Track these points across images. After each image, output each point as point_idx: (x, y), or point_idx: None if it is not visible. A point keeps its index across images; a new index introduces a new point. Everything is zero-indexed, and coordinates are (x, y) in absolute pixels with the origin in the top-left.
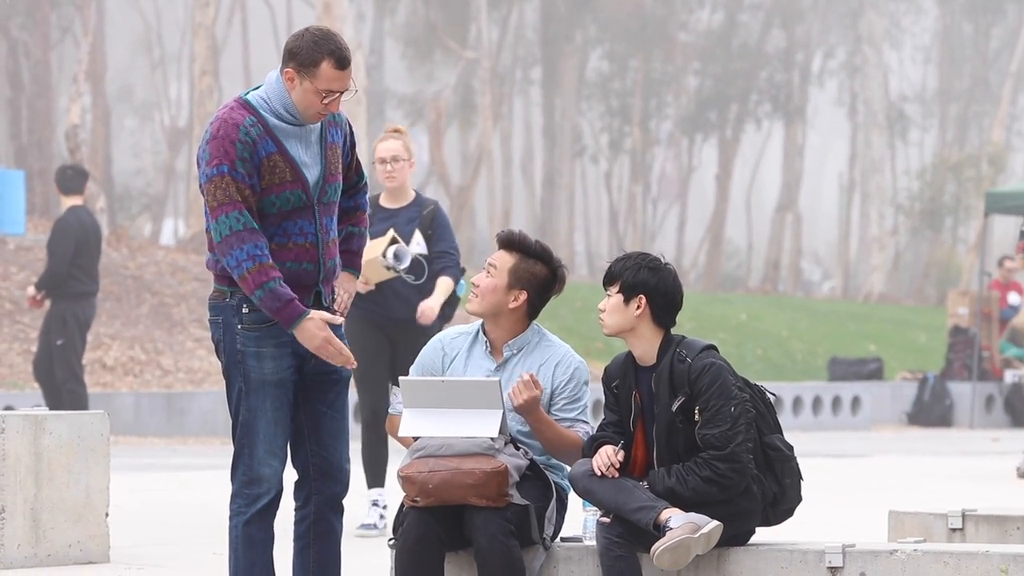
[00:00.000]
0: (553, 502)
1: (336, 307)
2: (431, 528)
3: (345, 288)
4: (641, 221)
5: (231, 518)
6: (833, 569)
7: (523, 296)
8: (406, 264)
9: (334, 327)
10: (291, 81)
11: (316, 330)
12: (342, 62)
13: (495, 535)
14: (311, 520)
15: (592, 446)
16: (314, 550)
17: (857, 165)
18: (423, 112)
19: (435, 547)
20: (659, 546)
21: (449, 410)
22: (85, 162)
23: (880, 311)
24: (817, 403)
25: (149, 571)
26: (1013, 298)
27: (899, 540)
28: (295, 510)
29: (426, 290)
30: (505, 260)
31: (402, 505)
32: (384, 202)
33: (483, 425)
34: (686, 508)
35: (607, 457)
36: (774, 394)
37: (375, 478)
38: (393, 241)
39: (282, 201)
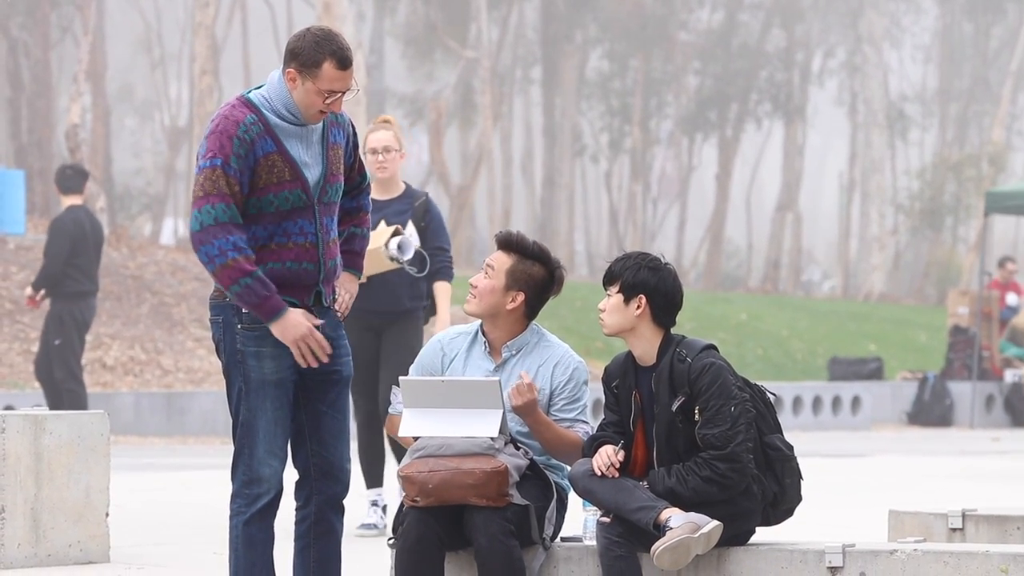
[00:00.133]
0: (553, 502)
1: (337, 307)
2: (431, 528)
3: (346, 288)
4: (641, 221)
5: (231, 518)
6: (833, 569)
7: (520, 297)
8: (410, 256)
9: (336, 327)
10: (293, 81)
11: (297, 322)
12: (344, 62)
13: (495, 535)
14: (312, 520)
15: (592, 446)
16: (315, 550)
17: (857, 165)
18: (423, 112)
19: (435, 547)
20: (659, 546)
21: (449, 410)
22: (85, 162)
23: (880, 311)
24: (817, 403)
25: (149, 571)
26: (1011, 299)
27: (899, 540)
28: (296, 510)
29: (418, 283)
30: (503, 261)
31: (402, 505)
32: (374, 194)
33: (483, 425)
34: (686, 508)
35: (607, 457)
36: (774, 394)
37: (374, 478)
38: (396, 232)
39: (280, 200)
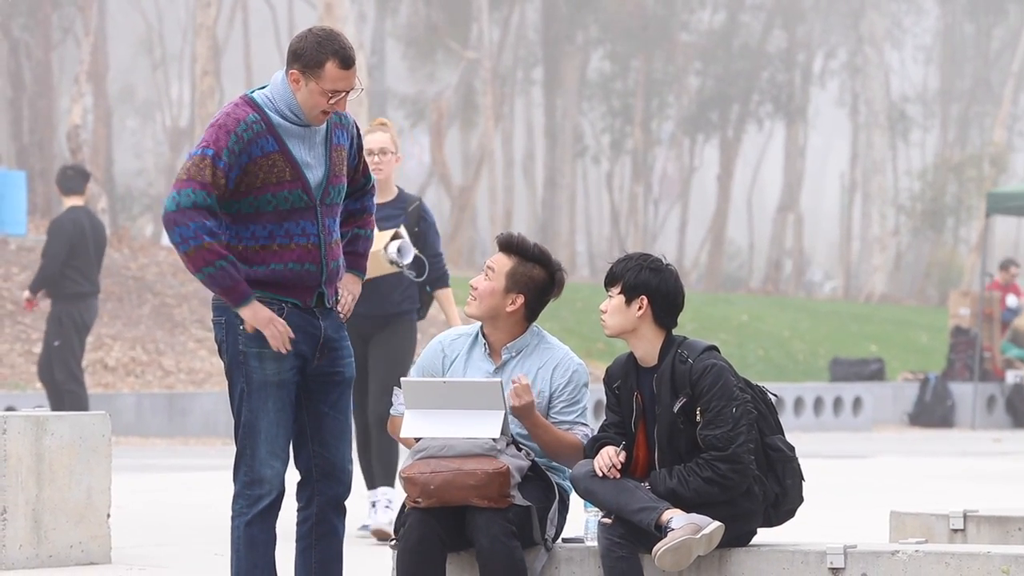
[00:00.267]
0: (555, 503)
1: (340, 309)
2: (433, 529)
3: (349, 290)
4: (642, 221)
5: (233, 519)
6: (835, 570)
7: (520, 300)
8: (409, 259)
9: (338, 328)
10: (296, 82)
11: (264, 308)
12: (347, 62)
13: (497, 536)
14: (313, 521)
15: (594, 447)
16: (316, 551)
17: (858, 165)
18: (424, 112)
19: (437, 548)
20: (661, 547)
21: (451, 411)
22: (86, 162)
23: (881, 311)
24: (818, 404)
25: (151, 572)
26: (1011, 301)
27: (901, 541)
28: (297, 511)
29: (411, 285)
30: (503, 263)
31: (404, 506)
32: None
33: (485, 426)
34: (687, 509)
35: (609, 458)
36: (775, 395)
37: (372, 480)
38: (395, 236)
39: (279, 200)
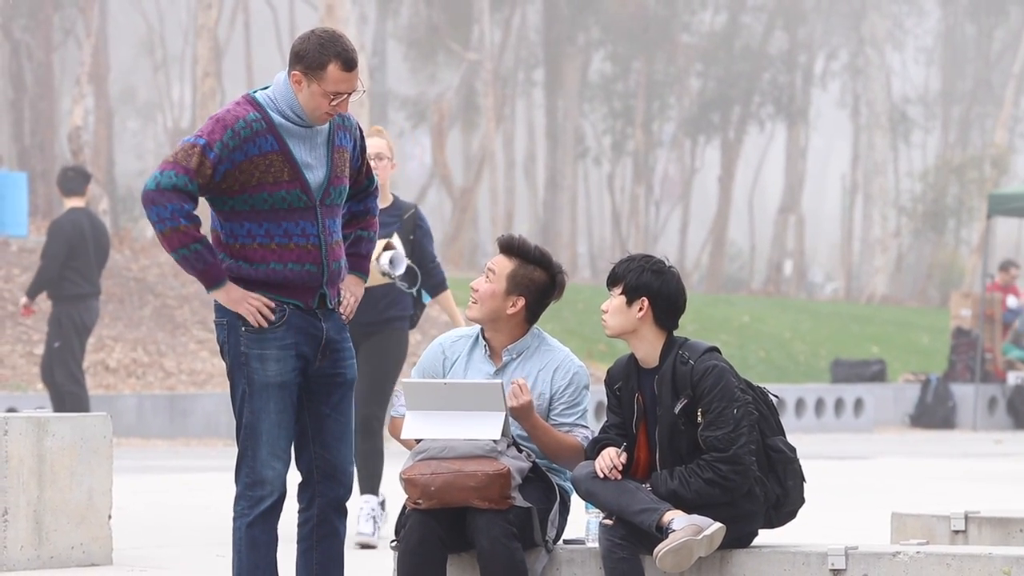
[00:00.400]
0: (556, 504)
1: (342, 310)
2: (433, 530)
3: (352, 291)
4: (644, 223)
5: (234, 520)
6: (836, 571)
7: (521, 302)
8: (401, 271)
9: (340, 329)
10: (298, 84)
11: (237, 288)
12: (349, 63)
13: (497, 537)
14: (314, 522)
15: (595, 448)
16: (317, 552)
17: (860, 167)
18: (426, 114)
19: (437, 549)
20: (662, 548)
21: (451, 412)
22: (88, 164)
23: (883, 313)
24: (820, 405)
25: (152, 573)
26: (1011, 302)
27: (902, 542)
28: (298, 512)
29: (402, 294)
30: (504, 265)
31: (404, 507)
32: None
33: (485, 427)
34: (689, 510)
35: (610, 459)
36: (777, 396)
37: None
38: (387, 247)
39: (276, 199)
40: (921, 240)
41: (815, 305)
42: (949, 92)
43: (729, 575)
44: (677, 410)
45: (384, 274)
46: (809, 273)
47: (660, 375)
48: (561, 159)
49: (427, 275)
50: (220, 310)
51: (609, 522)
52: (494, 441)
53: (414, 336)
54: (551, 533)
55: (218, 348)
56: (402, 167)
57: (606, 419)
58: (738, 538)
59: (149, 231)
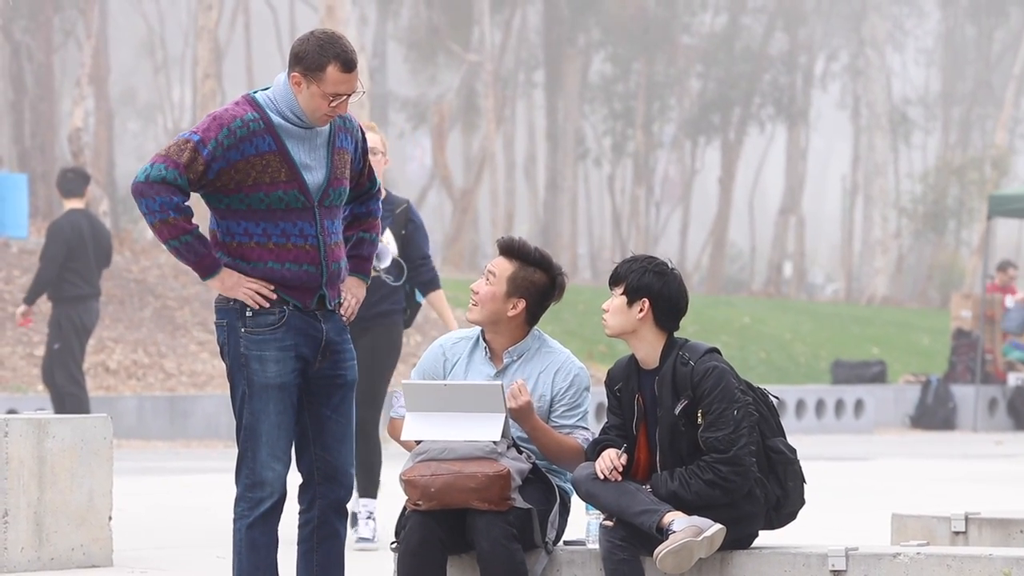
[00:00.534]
0: (556, 506)
1: (343, 311)
2: (433, 532)
3: (353, 293)
4: (644, 224)
5: (234, 521)
6: (836, 572)
7: (521, 304)
8: (387, 264)
9: (340, 331)
10: (298, 85)
11: (232, 274)
12: (348, 65)
13: (497, 539)
14: (315, 524)
15: (595, 449)
16: (318, 554)
17: (860, 168)
18: (426, 115)
19: (437, 551)
20: (662, 549)
21: (451, 414)
22: (88, 165)
23: (883, 314)
24: (820, 406)
25: (152, 575)
26: (1009, 301)
27: (902, 543)
28: (299, 513)
29: (396, 288)
30: (504, 267)
31: (404, 508)
32: None
33: (485, 429)
34: (689, 511)
35: (610, 461)
36: (777, 397)
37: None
38: None
39: (273, 200)
40: (921, 241)
41: (815, 306)
42: (949, 93)
43: None
44: (677, 411)
45: None
46: (809, 274)
47: (660, 376)
48: (561, 160)
49: (415, 271)
50: (220, 311)
51: (609, 523)
52: (494, 442)
53: (414, 337)
54: (551, 534)
55: (218, 349)
56: (402, 168)
57: (606, 420)
58: (738, 539)
59: (149, 232)
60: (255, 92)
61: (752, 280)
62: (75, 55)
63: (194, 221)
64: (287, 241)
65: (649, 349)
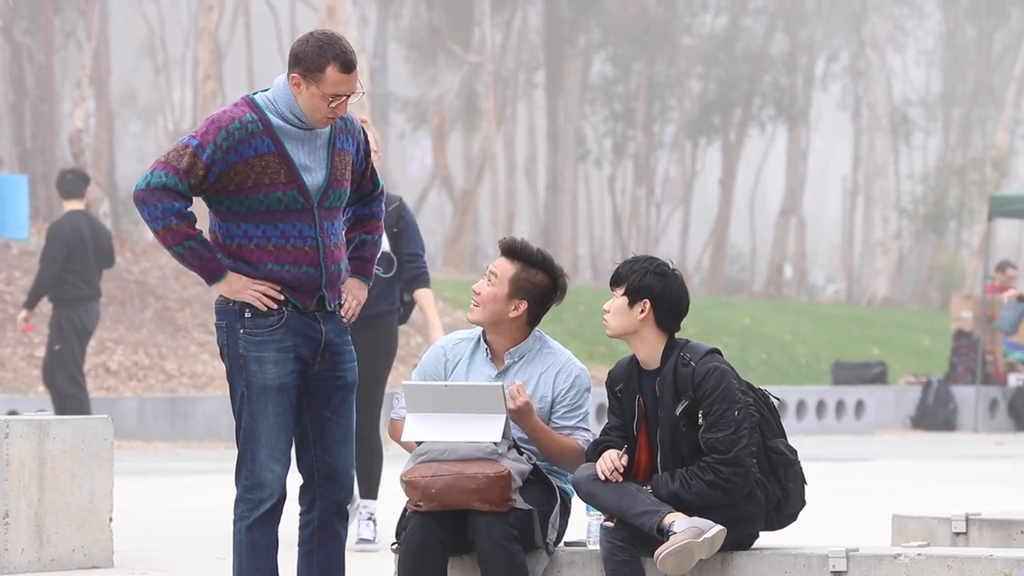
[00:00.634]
0: (556, 506)
1: (343, 313)
2: (434, 532)
3: (354, 295)
4: (645, 225)
5: (234, 523)
6: (837, 573)
7: (523, 305)
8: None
9: (340, 332)
10: (297, 86)
11: (239, 278)
12: (347, 66)
13: (498, 540)
14: (315, 525)
15: (595, 450)
16: (318, 555)
17: (861, 169)
18: (427, 116)
19: (438, 551)
20: (663, 550)
21: (452, 415)
22: (88, 167)
23: (884, 315)
24: (821, 407)
25: None
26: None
27: (903, 544)
28: (299, 515)
29: (389, 287)
30: (506, 268)
31: (405, 510)
32: None
33: (486, 430)
34: (690, 512)
35: (611, 461)
36: (778, 398)
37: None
38: None
39: (272, 201)
40: (922, 242)
41: (816, 307)
42: (950, 94)
43: None
44: (678, 412)
45: None
46: (810, 275)
47: (661, 377)
48: (562, 161)
49: (403, 268)
50: (220, 313)
51: (610, 524)
52: (495, 443)
53: (415, 338)
54: (552, 535)
55: (218, 351)
56: (403, 169)
57: (607, 421)
58: (739, 540)
59: (150, 234)
60: (254, 93)
61: (753, 281)
62: (76, 56)
63: (197, 226)
64: (286, 243)
65: (650, 350)
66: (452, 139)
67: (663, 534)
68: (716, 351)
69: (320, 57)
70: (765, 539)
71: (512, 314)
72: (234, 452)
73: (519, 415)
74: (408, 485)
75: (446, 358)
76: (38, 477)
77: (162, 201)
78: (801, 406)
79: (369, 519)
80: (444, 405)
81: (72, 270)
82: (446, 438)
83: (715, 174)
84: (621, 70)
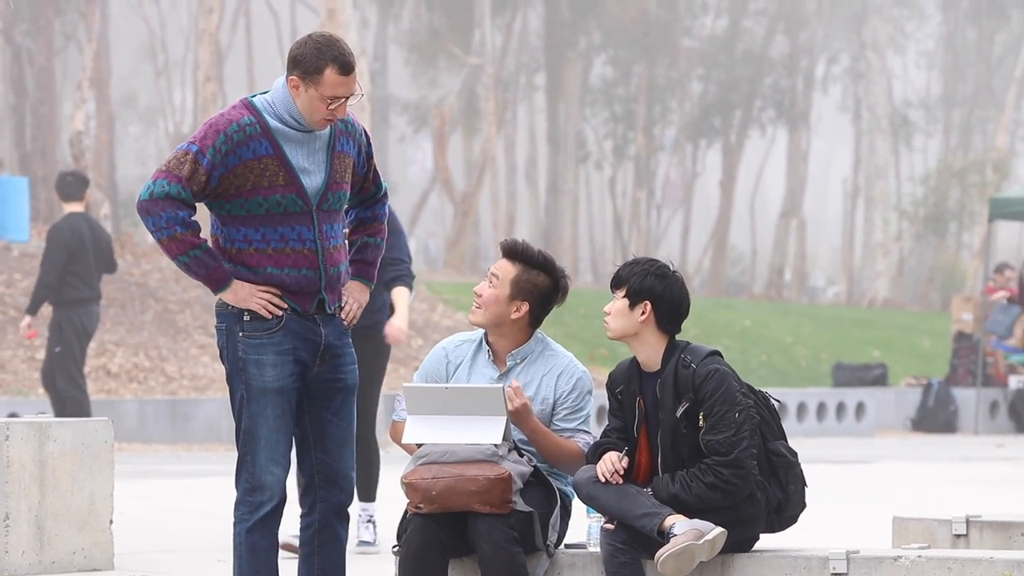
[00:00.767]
0: (557, 509)
1: (344, 316)
2: (435, 535)
3: (355, 297)
4: (645, 227)
5: (234, 525)
6: (837, 575)
7: (525, 307)
8: None
9: (340, 335)
10: (296, 89)
11: (244, 286)
12: (346, 68)
13: (499, 542)
14: (316, 528)
15: (596, 452)
16: (319, 558)
17: (861, 171)
18: (427, 118)
19: (439, 554)
20: (663, 552)
21: (453, 417)
22: (89, 169)
23: (884, 317)
24: (821, 409)
25: None
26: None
27: (903, 546)
28: (300, 517)
29: (376, 296)
30: (508, 270)
31: (406, 512)
32: None
33: (487, 432)
34: (690, 514)
35: (611, 463)
36: (778, 400)
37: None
38: None
39: (271, 204)
40: (922, 244)
41: (816, 309)
42: (950, 96)
43: None
44: (679, 414)
45: None
46: (811, 277)
47: (662, 379)
48: (562, 163)
49: (384, 270)
50: (221, 315)
51: (610, 526)
52: (495, 445)
53: (415, 340)
54: (552, 537)
55: (219, 353)
56: (404, 171)
57: (607, 423)
58: (739, 542)
59: (150, 236)
60: (253, 96)
61: (753, 283)
62: (76, 58)
63: (200, 235)
64: (286, 246)
65: (651, 352)
66: (452, 141)
67: (664, 536)
68: (717, 353)
69: (318, 59)
70: (766, 541)
71: (514, 315)
72: (234, 454)
73: (518, 416)
74: (409, 487)
75: (448, 360)
76: (38, 479)
77: (166, 211)
78: (802, 408)
79: (368, 521)
80: (445, 407)
81: (72, 272)
82: (447, 440)
83: (715, 176)
84: (621, 72)
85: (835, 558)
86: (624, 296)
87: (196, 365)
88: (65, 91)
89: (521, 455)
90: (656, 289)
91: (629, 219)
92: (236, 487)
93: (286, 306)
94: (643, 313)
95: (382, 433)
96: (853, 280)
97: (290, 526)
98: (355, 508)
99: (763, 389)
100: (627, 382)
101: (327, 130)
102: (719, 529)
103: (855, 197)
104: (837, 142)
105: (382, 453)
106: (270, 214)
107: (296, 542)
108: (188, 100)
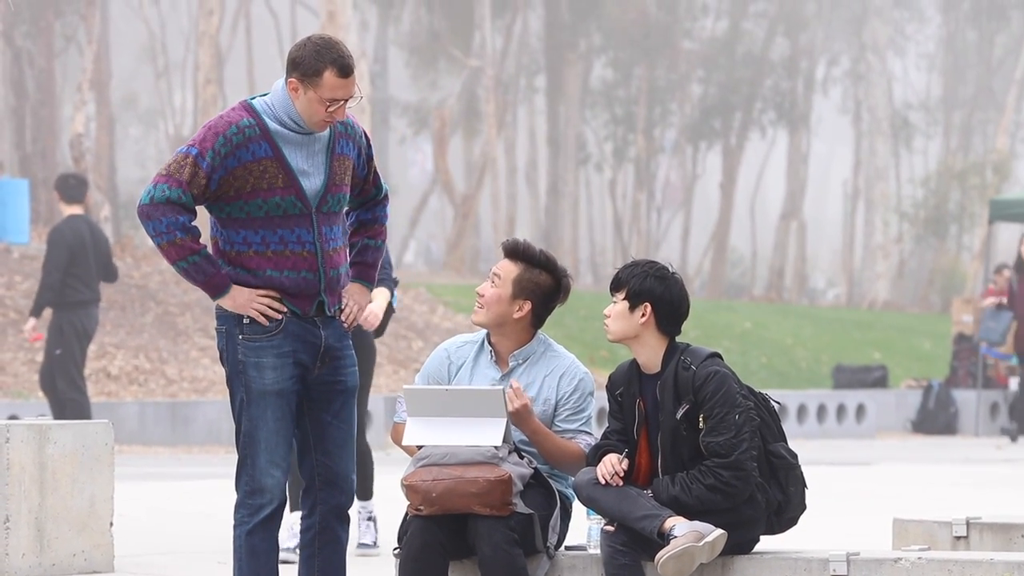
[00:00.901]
0: (557, 510)
1: (344, 318)
2: (435, 536)
3: (355, 300)
4: (645, 229)
5: (235, 528)
6: None
7: (527, 306)
8: None
9: (340, 337)
10: (295, 91)
11: (243, 291)
12: (345, 70)
13: (499, 544)
14: (316, 530)
15: (596, 454)
16: (319, 559)
17: (861, 173)
18: (427, 120)
19: (439, 555)
20: (663, 554)
21: (453, 419)
22: (89, 171)
23: (884, 319)
24: (821, 411)
25: None
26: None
27: (903, 548)
28: (301, 519)
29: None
30: (510, 270)
31: (406, 514)
32: None
33: (487, 434)
34: (690, 516)
35: (611, 465)
36: (778, 402)
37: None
38: None
39: (270, 206)
40: (923, 246)
41: (817, 311)
42: (951, 98)
43: None
44: (679, 416)
45: None
46: (811, 279)
47: (662, 381)
48: (563, 165)
49: None
50: (221, 318)
51: (611, 528)
52: (495, 447)
53: (415, 343)
54: (552, 539)
55: (219, 355)
56: (404, 173)
57: (607, 425)
58: (739, 544)
59: (150, 239)
60: (253, 98)
61: (753, 285)
62: (76, 60)
63: (200, 240)
64: (285, 248)
65: (651, 354)
66: (453, 143)
67: (664, 538)
68: (717, 355)
69: (317, 61)
70: (766, 543)
71: (516, 315)
72: (234, 457)
73: (518, 417)
74: (409, 489)
75: (450, 361)
76: (39, 482)
77: (167, 215)
78: (802, 410)
79: (369, 519)
80: (445, 409)
81: (73, 274)
82: (447, 442)
83: (716, 178)
84: (622, 74)
85: (835, 560)
86: (624, 298)
87: (196, 367)
88: (65, 93)
89: (521, 457)
90: (656, 291)
91: (629, 221)
92: (236, 490)
93: (285, 310)
94: (643, 315)
95: (379, 433)
96: (853, 282)
97: (283, 539)
98: (354, 508)
99: (763, 391)
100: (627, 384)
101: (326, 132)
102: (719, 531)
103: (855, 199)
104: (837, 144)
105: (382, 455)
106: (269, 216)
107: (293, 557)
108: (188, 102)
